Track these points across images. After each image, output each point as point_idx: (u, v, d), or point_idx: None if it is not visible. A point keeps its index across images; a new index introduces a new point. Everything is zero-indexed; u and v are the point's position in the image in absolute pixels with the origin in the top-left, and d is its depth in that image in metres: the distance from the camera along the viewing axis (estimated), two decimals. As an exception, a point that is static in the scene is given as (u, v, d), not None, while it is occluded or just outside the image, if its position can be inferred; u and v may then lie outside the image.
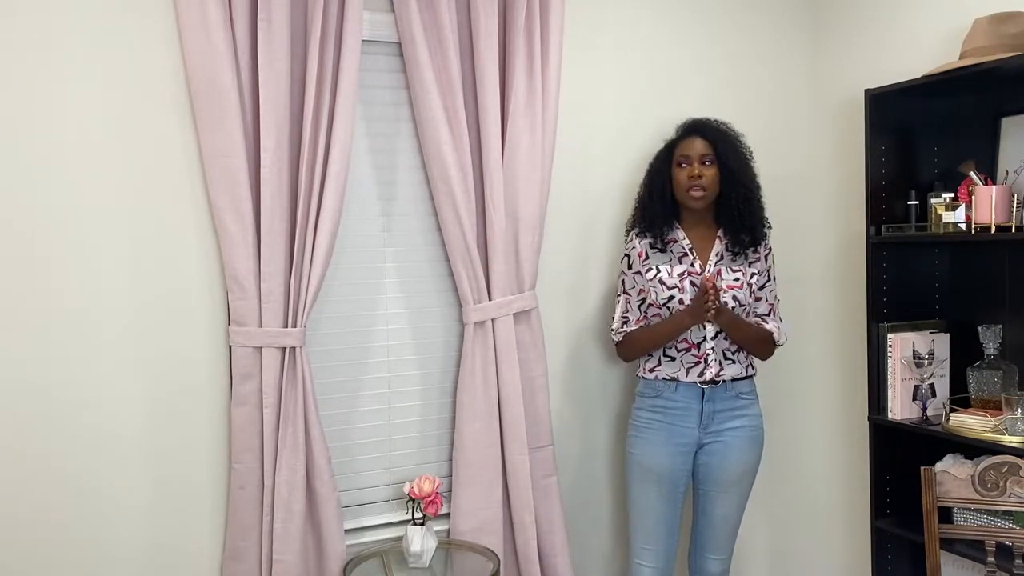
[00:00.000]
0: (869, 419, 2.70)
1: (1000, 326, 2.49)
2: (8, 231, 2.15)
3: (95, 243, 2.24)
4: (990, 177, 2.51)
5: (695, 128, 2.54)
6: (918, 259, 2.74)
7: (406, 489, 2.49)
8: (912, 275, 2.73)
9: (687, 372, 2.50)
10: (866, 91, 2.66)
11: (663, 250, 2.54)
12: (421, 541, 2.43)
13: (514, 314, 2.61)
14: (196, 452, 2.36)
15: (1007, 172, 2.51)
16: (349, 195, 2.44)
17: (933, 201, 2.56)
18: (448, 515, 2.61)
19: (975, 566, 2.52)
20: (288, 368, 2.34)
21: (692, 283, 2.48)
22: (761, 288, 2.55)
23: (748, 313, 2.53)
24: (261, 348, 2.33)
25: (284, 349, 2.34)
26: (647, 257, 2.55)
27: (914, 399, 2.62)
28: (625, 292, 2.60)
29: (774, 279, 2.59)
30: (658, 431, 2.52)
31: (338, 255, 2.45)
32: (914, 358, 2.59)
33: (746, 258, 2.53)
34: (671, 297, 2.48)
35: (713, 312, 2.38)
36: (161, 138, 2.29)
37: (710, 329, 2.49)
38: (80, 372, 2.23)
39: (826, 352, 3.18)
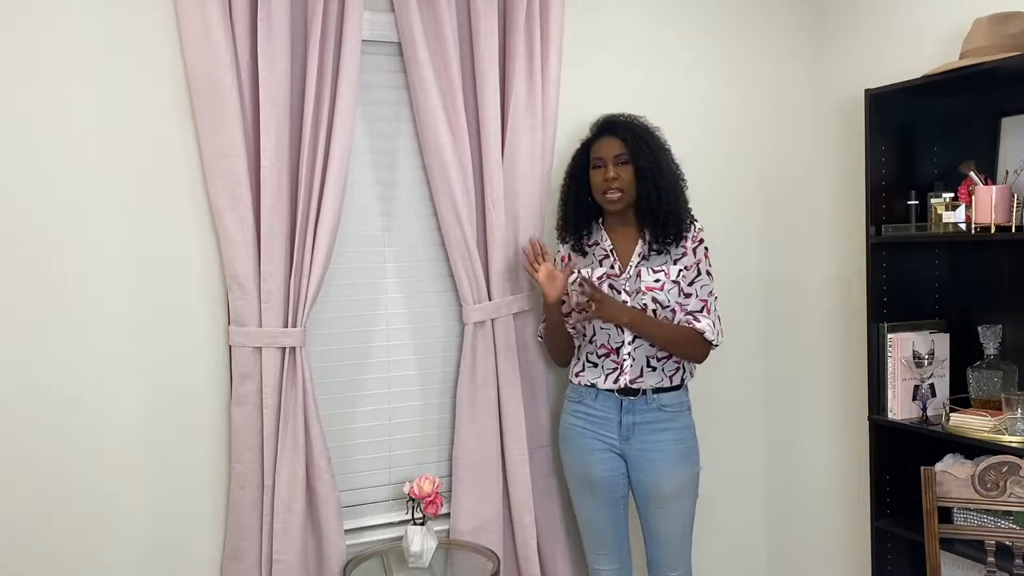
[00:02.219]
0: (869, 419, 2.70)
1: (1000, 326, 2.49)
2: (8, 231, 2.15)
3: (95, 243, 2.24)
4: (990, 177, 2.52)
5: (607, 127, 2.44)
6: (918, 259, 2.74)
7: (406, 489, 2.49)
8: (912, 275, 2.73)
9: (605, 378, 2.42)
10: (866, 91, 2.66)
11: (585, 252, 2.49)
12: (421, 541, 2.43)
13: (514, 314, 2.61)
14: (196, 452, 2.36)
15: (1007, 172, 2.51)
16: (349, 195, 2.44)
17: (933, 201, 2.56)
18: (448, 515, 2.60)
19: (975, 566, 2.52)
20: (288, 368, 2.34)
21: (611, 286, 2.41)
22: (691, 284, 2.41)
23: (674, 312, 2.39)
24: (261, 348, 2.33)
25: (284, 349, 2.34)
26: (570, 260, 2.52)
27: (914, 399, 2.62)
28: None
29: (707, 274, 2.44)
30: (582, 437, 2.46)
31: (338, 255, 2.45)
32: (914, 358, 2.59)
33: (670, 255, 2.42)
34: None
35: (589, 306, 2.30)
36: (161, 138, 2.29)
37: (628, 334, 2.39)
38: (80, 372, 2.23)
39: (826, 352, 3.18)
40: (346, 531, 2.47)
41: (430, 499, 2.45)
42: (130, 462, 2.29)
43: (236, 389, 2.34)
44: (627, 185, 2.40)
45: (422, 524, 2.46)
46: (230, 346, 2.35)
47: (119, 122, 2.25)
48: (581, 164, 2.48)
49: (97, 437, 2.25)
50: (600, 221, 2.52)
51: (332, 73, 2.36)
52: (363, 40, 2.40)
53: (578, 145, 2.53)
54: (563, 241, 2.54)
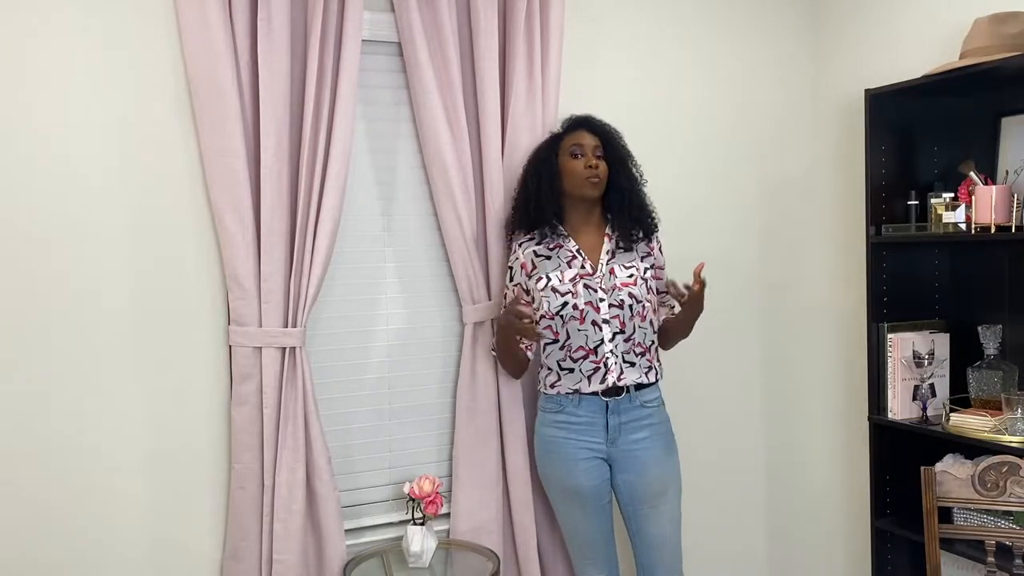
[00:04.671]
0: (869, 419, 2.70)
1: (1000, 326, 2.49)
2: (7, 231, 2.15)
3: (95, 243, 2.24)
4: (990, 177, 2.52)
5: (583, 123, 2.48)
6: (918, 259, 2.74)
7: (406, 489, 2.49)
8: (912, 275, 2.73)
9: (588, 381, 2.38)
10: (866, 91, 2.66)
11: (549, 256, 2.43)
12: (421, 541, 2.43)
13: (514, 314, 2.61)
14: (196, 452, 2.36)
15: (1007, 172, 2.51)
16: (349, 195, 2.44)
17: (933, 201, 2.56)
18: (448, 515, 2.61)
19: (975, 566, 2.52)
20: (288, 368, 2.34)
21: (586, 286, 2.38)
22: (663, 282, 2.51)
23: (645, 307, 2.42)
24: (261, 348, 2.33)
25: (284, 349, 2.34)
26: (534, 267, 2.43)
27: (914, 399, 2.63)
28: (505, 306, 2.49)
29: (664, 271, 2.55)
30: (565, 448, 2.41)
31: (338, 255, 2.45)
32: (914, 358, 2.59)
33: (636, 252, 2.46)
34: (564, 304, 2.37)
35: (695, 290, 2.33)
36: (161, 138, 2.29)
37: (607, 331, 2.37)
38: (80, 372, 2.23)
39: (826, 352, 3.18)
40: (346, 531, 2.47)
41: (430, 499, 2.45)
42: (130, 462, 2.29)
43: (236, 389, 2.34)
44: (603, 176, 2.43)
45: (422, 524, 2.46)
46: (230, 346, 2.35)
47: (119, 122, 2.25)
48: (551, 153, 2.45)
49: (97, 437, 2.25)
50: (561, 221, 2.47)
51: (332, 73, 2.36)
52: (363, 40, 2.40)
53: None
54: (522, 247, 2.46)
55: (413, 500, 2.46)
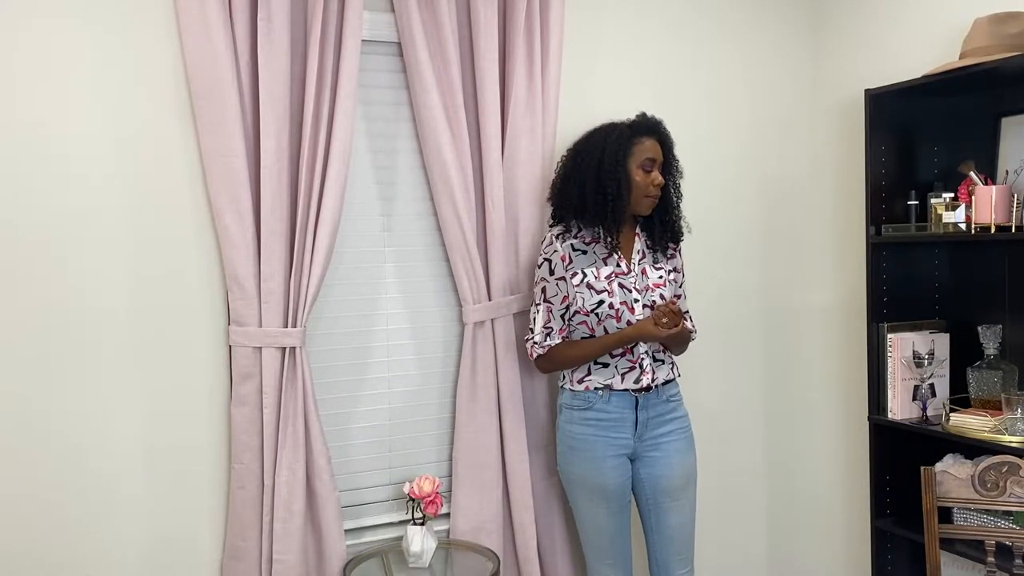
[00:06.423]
0: (869, 419, 2.70)
1: (1000, 326, 2.49)
2: (7, 231, 2.15)
3: (95, 243, 2.24)
4: (990, 177, 2.52)
5: (655, 130, 2.42)
6: (918, 259, 2.74)
7: (406, 489, 2.49)
8: (912, 275, 2.73)
9: (622, 379, 2.39)
10: (866, 91, 2.66)
11: (584, 251, 2.42)
12: (421, 541, 2.43)
13: (514, 314, 2.61)
14: (196, 452, 2.36)
15: (1007, 172, 2.51)
16: (349, 195, 2.44)
17: (933, 201, 2.56)
18: (448, 515, 2.61)
19: (975, 566, 2.52)
20: (288, 368, 2.34)
21: (620, 285, 2.40)
22: (680, 286, 2.55)
23: None
24: (261, 348, 2.33)
25: (284, 349, 2.34)
26: (571, 261, 2.40)
27: (914, 399, 2.62)
28: (547, 300, 2.43)
29: (684, 276, 2.58)
30: (594, 445, 2.39)
31: (338, 255, 2.45)
32: (914, 358, 2.59)
33: (664, 253, 2.50)
34: (600, 302, 2.37)
35: (671, 333, 2.31)
36: (161, 138, 2.29)
37: None
38: (80, 372, 2.23)
39: (826, 352, 3.18)
40: (346, 531, 2.47)
41: (430, 499, 2.45)
42: (130, 462, 2.29)
43: (236, 389, 2.34)
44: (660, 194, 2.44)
45: (422, 524, 2.46)
46: (230, 346, 2.35)
47: (119, 122, 2.25)
48: (620, 158, 2.35)
49: (97, 436, 2.25)
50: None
51: (332, 73, 2.36)
52: (363, 40, 2.40)
53: (594, 126, 2.46)
54: (560, 239, 2.41)
55: (413, 500, 2.46)
